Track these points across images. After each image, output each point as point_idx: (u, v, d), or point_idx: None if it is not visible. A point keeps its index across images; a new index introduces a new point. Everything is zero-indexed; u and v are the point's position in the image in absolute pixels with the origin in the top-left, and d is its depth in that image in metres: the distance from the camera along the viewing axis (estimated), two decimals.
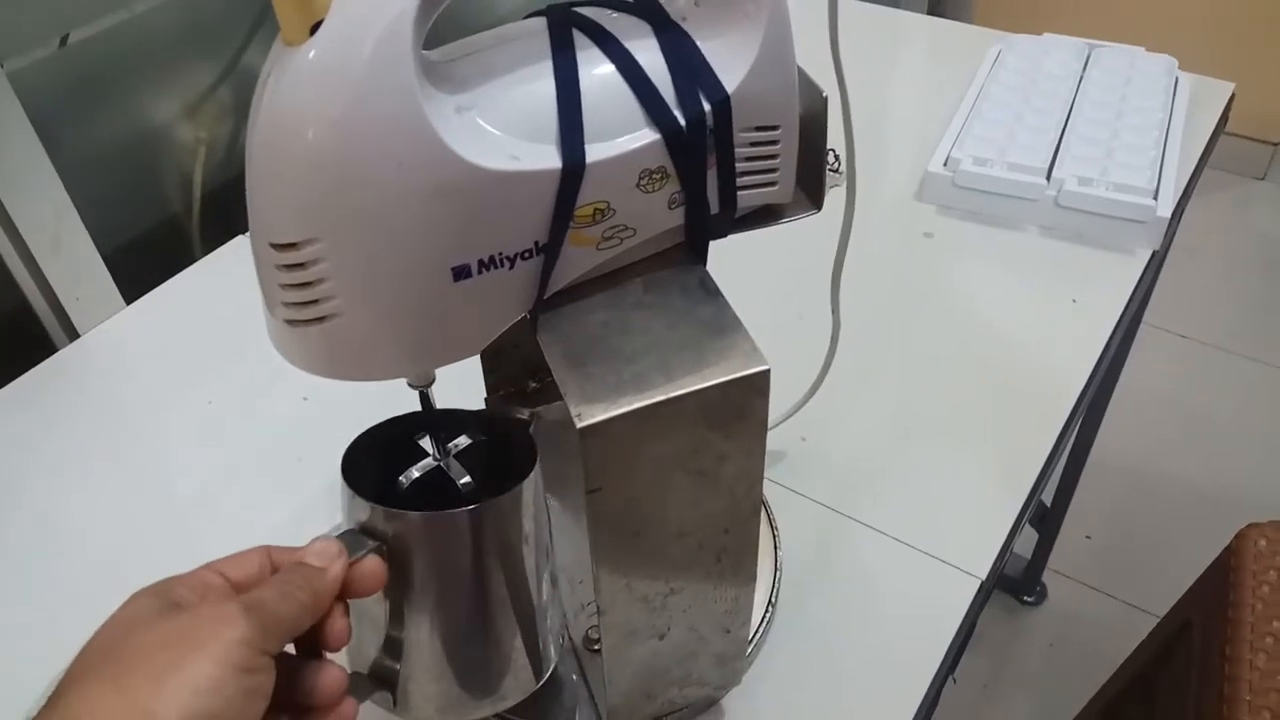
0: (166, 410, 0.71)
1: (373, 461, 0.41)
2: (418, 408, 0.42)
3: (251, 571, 0.37)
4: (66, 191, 0.73)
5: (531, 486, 0.40)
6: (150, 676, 0.31)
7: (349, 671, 0.41)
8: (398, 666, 0.41)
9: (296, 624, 0.35)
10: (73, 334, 0.76)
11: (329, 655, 0.38)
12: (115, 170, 0.84)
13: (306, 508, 0.63)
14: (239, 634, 0.32)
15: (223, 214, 0.91)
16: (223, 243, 0.84)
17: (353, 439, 0.41)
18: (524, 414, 0.42)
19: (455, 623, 0.41)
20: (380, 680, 0.41)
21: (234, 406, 0.71)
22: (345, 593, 0.37)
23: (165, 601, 0.34)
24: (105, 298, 0.78)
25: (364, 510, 0.39)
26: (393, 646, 0.41)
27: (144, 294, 0.80)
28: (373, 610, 0.41)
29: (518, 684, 0.44)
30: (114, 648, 0.32)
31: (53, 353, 0.75)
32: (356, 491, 0.39)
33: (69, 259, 0.75)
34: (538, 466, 0.41)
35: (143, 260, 0.83)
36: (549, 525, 0.43)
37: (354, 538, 0.38)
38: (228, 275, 0.81)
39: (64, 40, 0.76)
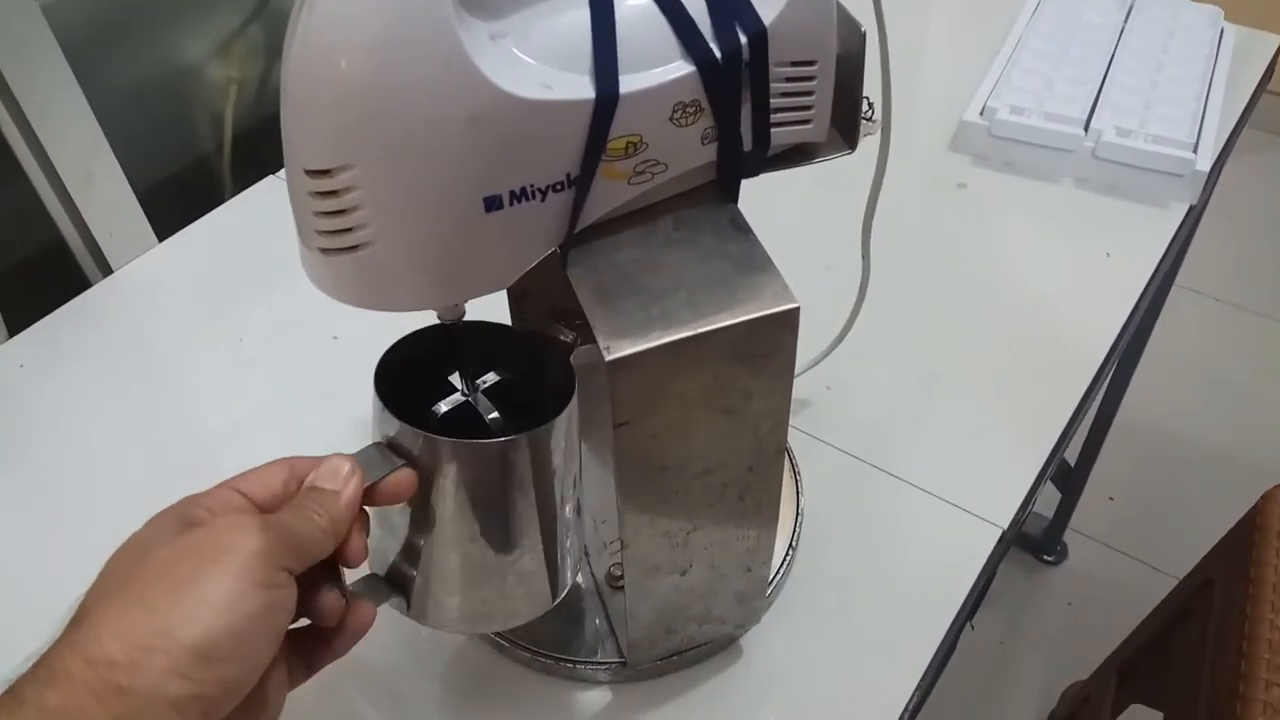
0: (197, 346, 0.72)
1: (402, 384, 0.41)
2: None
3: (275, 488, 0.37)
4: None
5: (565, 421, 0.40)
6: (168, 591, 0.30)
7: (368, 574, 0.41)
8: (414, 574, 0.41)
9: (318, 546, 0.35)
10: (106, 269, 0.77)
11: (345, 570, 0.38)
12: (147, 108, 0.84)
13: (335, 445, 0.63)
14: (255, 545, 0.31)
15: (253, 154, 0.91)
16: (253, 182, 0.84)
17: (388, 347, 0.41)
18: (567, 335, 0.42)
19: (475, 541, 0.41)
20: (397, 585, 0.42)
21: (264, 344, 0.72)
22: (370, 502, 0.37)
23: (183, 520, 0.34)
24: (138, 234, 0.78)
25: (392, 426, 0.39)
26: (411, 554, 0.41)
27: (175, 232, 0.80)
28: (394, 517, 0.41)
29: (532, 604, 0.44)
30: (133, 566, 0.32)
31: (86, 288, 0.76)
32: (387, 406, 0.39)
33: (103, 194, 0.75)
34: (574, 399, 0.40)
35: (174, 198, 0.84)
36: (580, 456, 0.43)
37: (380, 453, 0.39)
38: (258, 215, 0.81)
39: None
